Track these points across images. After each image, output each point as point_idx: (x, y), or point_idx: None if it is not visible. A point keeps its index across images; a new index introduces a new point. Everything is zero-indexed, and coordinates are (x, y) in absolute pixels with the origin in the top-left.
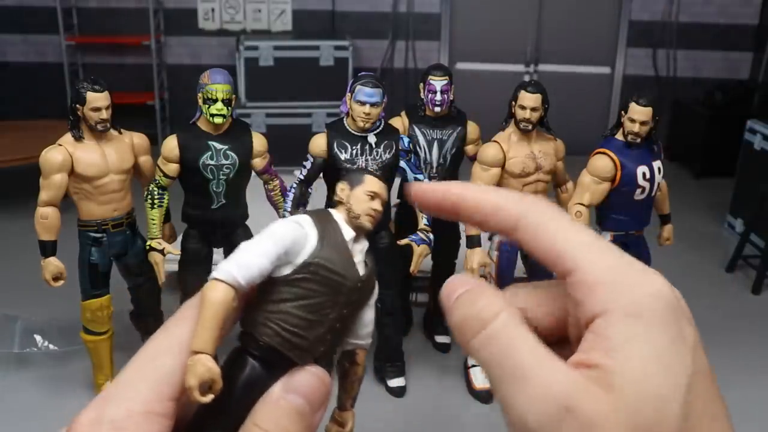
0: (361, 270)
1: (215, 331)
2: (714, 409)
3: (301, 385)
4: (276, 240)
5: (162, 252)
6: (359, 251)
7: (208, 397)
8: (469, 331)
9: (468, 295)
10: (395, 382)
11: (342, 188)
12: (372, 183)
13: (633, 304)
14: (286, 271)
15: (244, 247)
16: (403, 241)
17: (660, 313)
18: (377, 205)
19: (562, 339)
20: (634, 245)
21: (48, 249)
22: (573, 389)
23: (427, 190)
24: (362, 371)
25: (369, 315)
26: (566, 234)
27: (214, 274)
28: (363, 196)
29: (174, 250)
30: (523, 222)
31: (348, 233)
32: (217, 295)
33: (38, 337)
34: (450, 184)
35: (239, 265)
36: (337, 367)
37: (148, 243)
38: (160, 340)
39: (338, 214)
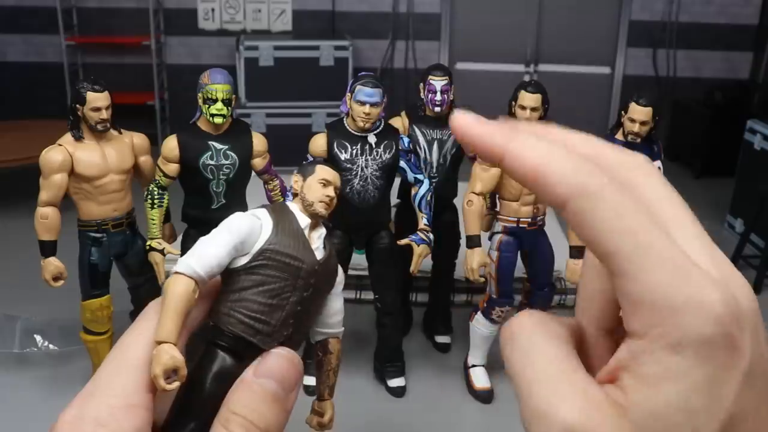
0: (319, 254)
1: (177, 321)
2: None
3: (272, 368)
4: (232, 230)
5: (162, 252)
6: (317, 238)
7: (174, 385)
8: (503, 344)
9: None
10: (395, 382)
11: (296, 180)
12: (323, 171)
13: (675, 334)
14: (244, 260)
15: (202, 240)
16: (403, 241)
17: (705, 348)
18: (330, 191)
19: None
20: None
21: (48, 249)
22: (581, 413)
23: (480, 131)
24: (336, 361)
25: (337, 304)
26: (620, 225)
27: (175, 267)
28: (315, 184)
29: (174, 250)
30: (572, 203)
31: (303, 221)
32: (178, 287)
33: (38, 337)
34: (496, 127)
35: (197, 257)
36: (313, 359)
37: (148, 243)
38: (132, 337)
39: (294, 205)
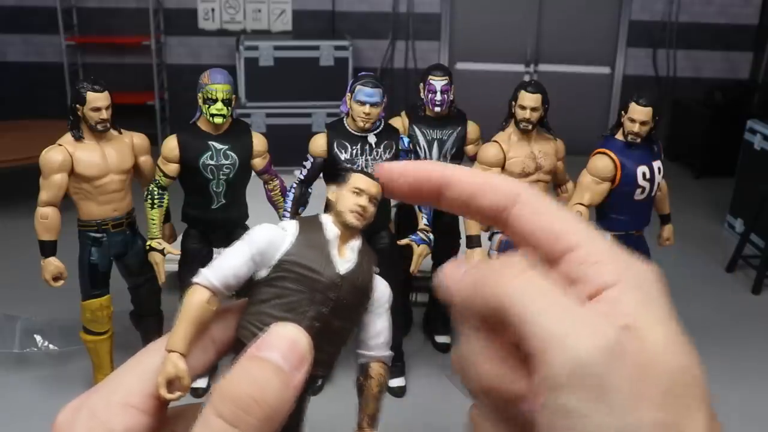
0: (344, 267)
1: (189, 330)
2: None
3: (272, 342)
4: (251, 242)
5: (162, 252)
6: (349, 250)
7: (176, 395)
8: (507, 275)
9: (488, 261)
10: (395, 382)
11: (332, 192)
12: (357, 179)
13: (640, 279)
14: (265, 272)
15: (223, 251)
16: (403, 241)
17: (661, 289)
18: (363, 201)
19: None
20: (634, 245)
21: (48, 249)
22: (620, 330)
23: (399, 171)
24: (377, 387)
25: (379, 323)
26: (563, 213)
27: (194, 278)
28: (348, 193)
29: (174, 250)
30: (523, 197)
31: (331, 232)
32: (193, 298)
33: (38, 337)
34: (426, 164)
35: (214, 268)
36: (355, 384)
37: (148, 243)
38: (154, 344)
39: (326, 216)
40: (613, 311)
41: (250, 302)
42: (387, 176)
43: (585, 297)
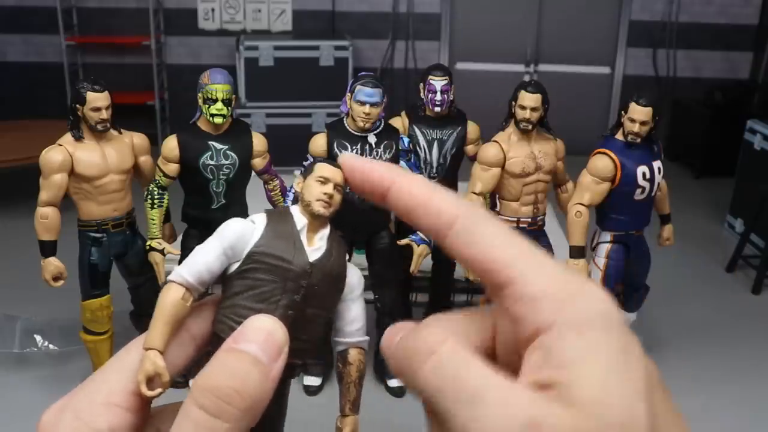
0: (315, 255)
1: (165, 328)
2: (673, 417)
3: (251, 333)
4: (221, 237)
5: (162, 252)
6: (318, 238)
7: (157, 392)
8: (416, 361)
9: (410, 333)
10: (395, 382)
11: (298, 182)
12: (322, 169)
13: (580, 316)
14: (237, 265)
15: (195, 248)
16: (403, 241)
17: (607, 323)
18: (329, 189)
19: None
20: (634, 245)
21: (48, 249)
22: (534, 407)
23: (359, 166)
24: (357, 373)
25: (354, 310)
26: (503, 241)
27: (168, 277)
28: (313, 183)
29: (174, 250)
30: (459, 223)
31: (300, 222)
32: (167, 295)
33: (38, 337)
34: (387, 167)
35: (187, 265)
36: (335, 370)
37: (148, 243)
38: (133, 343)
39: (294, 207)
40: (546, 364)
41: (225, 296)
42: (346, 168)
43: (524, 341)
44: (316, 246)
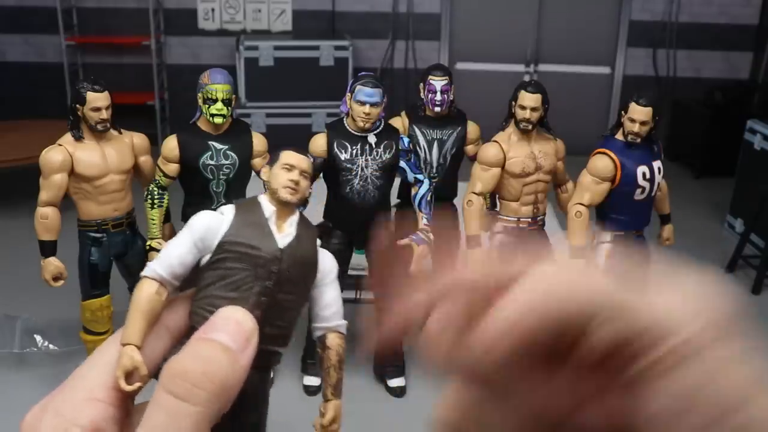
0: (284, 241)
1: (141, 323)
2: None
3: (220, 323)
4: (191, 230)
5: None
6: (288, 225)
7: (135, 386)
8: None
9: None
10: (395, 382)
11: (265, 171)
12: (286, 156)
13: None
14: (208, 257)
15: (166, 243)
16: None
17: None
18: (294, 176)
19: None
20: (634, 245)
21: (48, 249)
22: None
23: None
24: (336, 357)
25: (329, 295)
26: None
27: (142, 272)
28: (279, 170)
29: None
30: None
31: (268, 210)
32: (141, 290)
33: (38, 337)
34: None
35: (159, 259)
36: (316, 356)
37: (148, 243)
38: (110, 339)
39: (263, 196)
40: None
41: (198, 288)
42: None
43: None
44: (285, 232)
